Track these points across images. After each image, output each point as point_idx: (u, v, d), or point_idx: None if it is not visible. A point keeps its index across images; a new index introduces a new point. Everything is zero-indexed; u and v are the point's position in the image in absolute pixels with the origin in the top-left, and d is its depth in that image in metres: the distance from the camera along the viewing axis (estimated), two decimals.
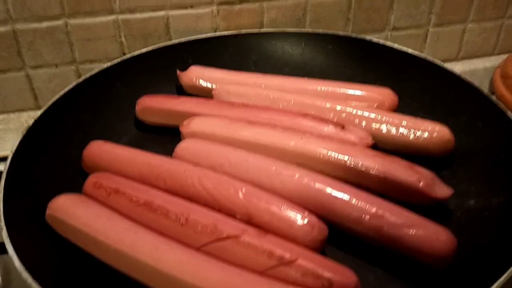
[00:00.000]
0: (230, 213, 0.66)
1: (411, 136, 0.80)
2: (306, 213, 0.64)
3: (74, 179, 0.79)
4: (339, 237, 0.67)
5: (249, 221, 0.65)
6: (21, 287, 0.77)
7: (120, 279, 0.61)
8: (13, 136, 1.05)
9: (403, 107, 0.89)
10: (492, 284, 0.55)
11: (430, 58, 0.94)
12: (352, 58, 1.02)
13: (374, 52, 1.00)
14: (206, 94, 0.96)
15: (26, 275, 0.54)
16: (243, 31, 1.07)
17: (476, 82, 0.86)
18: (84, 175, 0.77)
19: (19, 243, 0.59)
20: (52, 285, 0.54)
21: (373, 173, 0.71)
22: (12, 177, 0.70)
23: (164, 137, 0.89)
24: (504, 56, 1.16)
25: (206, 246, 0.61)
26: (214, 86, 0.95)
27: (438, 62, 0.93)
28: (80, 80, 0.91)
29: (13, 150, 0.73)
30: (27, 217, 0.68)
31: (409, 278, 0.63)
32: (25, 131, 0.77)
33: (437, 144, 0.79)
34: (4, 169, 0.70)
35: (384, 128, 0.81)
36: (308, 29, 1.09)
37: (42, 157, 0.79)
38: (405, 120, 0.82)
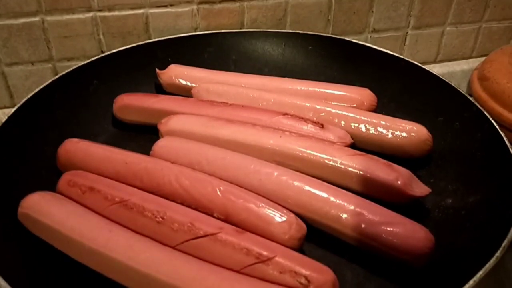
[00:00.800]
0: (207, 211, 0.65)
1: (389, 136, 0.80)
2: (285, 211, 0.63)
3: (48, 178, 0.76)
4: (317, 235, 0.66)
5: (227, 219, 0.64)
6: None
7: (95, 278, 0.60)
8: None
9: (381, 108, 0.90)
10: (468, 281, 0.55)
11: (409, 59, 0.94)
12: (332, 59, 1.02)
13: (354, 53, 1.01)
14: (185, 93, 0.95)
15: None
16: (223, 30, 1.06)
17: (454, 84, 0.87)
18: (59, 174, 0.75)
19: None
20: (23, 284, 0.52)
21: (351, 171, 0.71)
22: None
23: (142, 136, 0.88)
24: (481, 59, 1.18)
25: (183, 244, 0.60)
26: (193, 85, 0.95)
27: (416, 63, 0.93)
28: (57, 77, 0.89)
29: None
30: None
31: (387, 276, 0.63)
32: None
33: (415, 144, 0.79)
34: None
35: (362, 127, 0.82)
36: (288, 30, 1.09)
37: (16, 155, 0.77)
38: (384, 120, 0.82)
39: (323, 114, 0.84)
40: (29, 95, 0.84)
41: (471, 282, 0.54)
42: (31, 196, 0.66)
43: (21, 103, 0.82)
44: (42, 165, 0.79)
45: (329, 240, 0.67)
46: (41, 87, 0.86)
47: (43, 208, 0.64)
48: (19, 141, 0.79)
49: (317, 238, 0.66)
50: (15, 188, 0.71)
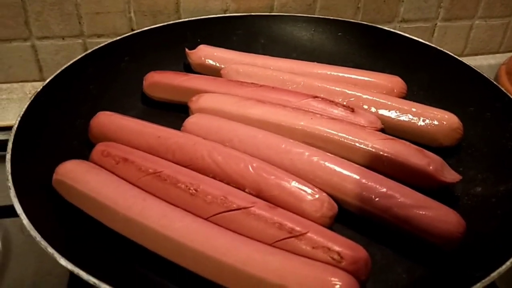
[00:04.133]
0: (239, 187, 0.66)
1: (420, 123, 0.80)
2: (317, 189, 0.64)
3: (80, 148, 0.78)
4: (346, 216, 0.67)
5: (258, 195, 0.64)
6: (20, 252, 0.78)
7: (127, 246, 0.61)
8: (16, 106, 1.04)
9: (411, 96, 0.89)
10: (496, 269, 0.55)
11: (440, 48, 0.94)
12: (362, 46, 1.02)
13: (384, 41, 1.01)
14: (213, 73, 0.95)
15: (35, 233, 0.53)
16: (253, 13, 1.06)
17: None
18: (90, 145, 0.76)
19: (27, 204, 0.58)
20: (60, 246, 0.53)
21: (382, 155, 0.71)
22: (19, 141, 0.69)
23: (170, 114, 0.89)
24: (509, 54, 1.17)
25: (215, 217, 0.61)
26: (222, 66, 0.95)
27: (448, 52, 0.93)
28: (89, 51, 0.90)
29: (21, 115, 0.72)
30: (33, 182, 0.67)
31: (416, 258, 0.63)
32: (32, 97, 0.76)
33: (445, 132, 0.79)
34: (12, 133, 0.69)
35: (393, 114, 0.82)
36: (318, 15, 1.08)
37: (48, 126, 0.78)
38: (415, 107, 0.82)
39: (353, 99, 0.84)
40: (63, 67, 0.85)
41: (504, 266, 0.54)
42: (66, 163, 0.67)
43: (54, 75, 0.83)
44: (74, 137, 0.80)
45: (358, 221, 0.67)
46: (74, 60, 0.87)
47: (78, 176, 0.65)
48: (51, 112, 0.80)
49: (346, 218, 0.67)
50: (47, 157, 0.72)
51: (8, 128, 0.97)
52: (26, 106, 0.74)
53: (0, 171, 0.89)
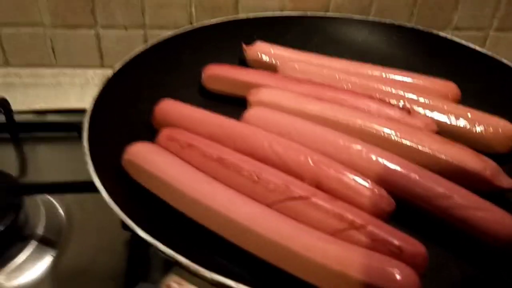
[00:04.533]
0: (298, 178, 0.68)
1: (475, 129, 0.81)
2: (375, 184, 0.66)
3: (143, 132, 0.82)
4: (401, 213, 0.68)
5: (317, 187, 0.67)
6: (81, 228, 0.82)
7: (192, 227, 0.64)
8: (77, 90, 1.09)
9: (464, 103, 0.89)
10: None
11: (497, 56, 0.94)
12: (416, 51, 1.03)
13: (439, 47, 1.01)
14: (269, 69, 0.98)
15: (114, 206, 0.56)
16: (309, 13, 1.08)
17: None
18: (152, 130, 0.80)
19: (104, 180, 0.62)
20: (137, 219, 0.56)
21: (439, 157, 0.72)
22: (92, 122, 0.73)
23: (227, 106, 0.91)
24: None
25: (277, 205, 0.63)
26: (278, 63, 0.98)
27: (505, 61, 0.93)
28: (154, 42, 0.94)
29: (95, 98, 0.76)
30: (106, 161, 0.70)
31: (470, 258, 0.64)
32: (104, 84, 0.81)
33: (500, 139, 0.79)
34: (87, 114, 0.73)
35: (448, 119, 0.82)
36: (374, 18, 1.10)
37: (114, 110, 0.82)
38: (470, 113, 0.83)
39: (407, 102, 0.85)
40: (130, 56, 0.89)
41: None
42: (136, 144, 0.71)
43: (121, 64, 0.87)
44: (138, 122, 0.84)
45: (412, 219, 0.68)
46: (140, 51, 0.91)
47: (147, 157, 0.69)
48: (118, 98, 0.84)
49: (401, 216, 0.68)
50: (114, 139, 0.76)
51: (72, 111, 1.02)
52: (99, 90, 0.78)
53: (56, 151, 0.95)
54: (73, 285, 0.73)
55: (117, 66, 0.85)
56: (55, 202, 0.85)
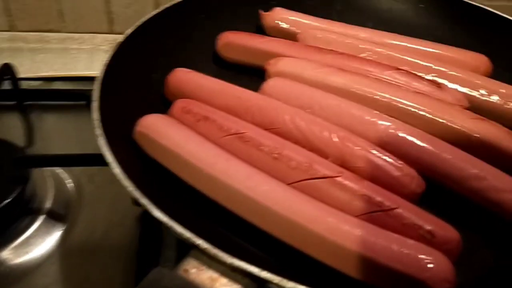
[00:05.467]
0: (321, 156, 0.64)
1: (508, 106, 0.76)
2: (405, 164, 0.61)
3: (155, 102, 0.77)
4: (431, 195, 0.64)
5: (341, 166, 0.62)
6: (91, 201, 0.79)
7: (207, 205, 0.60)
8: (86, 56, 1.05)
9: (496, 77, 0.84)
10: None
11: None
12: (444, 20, 0.97)
13: (469, 15, 0.95)
14: (287, 38, 0.92)
15: (127, 183, 0.53)
16: None
17: None
18: (164, 101, 0.76)
19: (115, 153, 0.58)
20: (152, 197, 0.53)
21: (472, 136, 0.67)
22: (102, 91, 0.69)
23: (244, 77, 0.87)
24: None
25: (299, 183, 0.59)
26: (297, 31, 0.92)
27: None
28: (167, 6, 0.88)
29: (106, 64, 0.72)
30: (116, 132, 0.66)
31: (503, 243, 0.61)
32: (115, 49, 0.76)
33: None
34: (97, 81, 0.68)
35: (479, 93, 0.77)
36: None
37: (126, 78, 0.78)
38: (503, 88, 0.77)
39: (436, 74, 0.80)
40: (141, 21, 0.84)
41: None
42: (149, 116, 0.67)
43: (133, 28, 0.82)
44: (150, 91, 0.79)
45: (441, 202, 0.64)
46: (152, 15, 0.86)
47: (160, 129, 0.65)
48: (129, 65, 0.79)
49: (430, 199, 0.64)
50: (125, 111, 0.71)
51: (80, 79, 0.98)
52: (110, 55, 0.74)
53: (63, 120, 0.91)
54: (82, 261, 0.71)
55: (129, 31, 0.80)
56: (64, 175, 0.82)
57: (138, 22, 0.82)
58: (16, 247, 0.69)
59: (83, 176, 0.82)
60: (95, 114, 0.62)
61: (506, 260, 0.59)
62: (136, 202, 0.61)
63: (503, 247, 0.61)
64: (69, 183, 0.81)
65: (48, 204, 0.76)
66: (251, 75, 0.84)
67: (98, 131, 0.60)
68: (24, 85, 0.98)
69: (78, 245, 0.73)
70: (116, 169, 0.54)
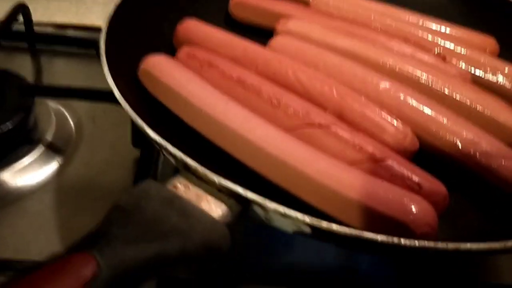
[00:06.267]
0: (320, 108, 0.65)
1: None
2: (400, 122, 0.62)
3: (164, 51, 0.78)
4: (422, 159, 0.65)
5: (340, 119, 0.63)
6: (90, 141, 0.80)
7: (206, 146, 0.61)
8: (100, 8, 1.06)
9: (502, 59, 0.84)
10: None
11: None
12: (457, 2, 0.97)
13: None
14: (301, 2, 0.93)
15: (125, 105, 0.54)
16: None
17: None
18: (174, 51, 0.76)
19: (118, 83, 0.59)
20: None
21: (471, 107, 0.67)
22: (110, 33, 0.70)
23: (254, 38, 0.87)
24: None
25: (296, 131, 0.60)
26: None
27: None
28: None
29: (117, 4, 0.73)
30: (123, 73, 0.67)
31: (490, 210, 0.61)
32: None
33: None
34: (105, 24, 0.69)
35: (483, 72, 0.77)
36: None
37: (135, 26, 0.78)
38: (508, 68, 0.78)
39: (443, 50, 0.80)
40: None
41: None
42: (155, 56, 0.68)
43: None
44: (159, 41, 0.80)
45: (433, 165, 0.65)
46: None
47: (165, 69, 0.66)
48: (139, 14, 0.80)
49: (423, 160, 0.65)
50: (134, 53, 0.72)
51: (92, 29, 0.99)
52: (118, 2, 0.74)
53: (73, 66, 0.93)
54: (76, 194, 0.72)
55: None
56: (66, 113, 0.83)
57: None
58: (14, 171, 0.71)
59: (85, 117, 0.83)
60: (102, 46, 0.63)
61: (488, 226, 0.60)
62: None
63: (488, 214, 0.61)
64: (71, 121, 0.82)
65: (48, 137, 0.77)
66: (262, 36, 0.85)
67: (104, 66, 0.61)
68: (38, 29, 0.99)
69: (74, 178, 0.74)
70: (117, 93, 0.55)
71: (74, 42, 1.01)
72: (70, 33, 1.03)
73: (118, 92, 0.56)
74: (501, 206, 0.61)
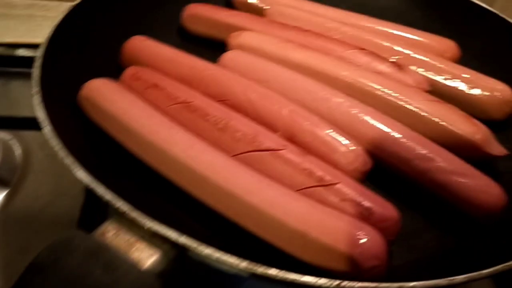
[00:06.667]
0: (270, 129, 0.62)
1: (470, 91, 0.74)
2: (353, 141, 0.60)
3: (110, 71, 0.75)
4: (378, 176, 0.63)
5: (290, 140, 0.61)
6: (39, 169, 0.77)
7: (147, 172, 0.58)
8: (51, 24, 1.01)
9: (463, 63, 0.82)
10: None
11: (501, 14, 0.87)
12: (417, 4, 0.96)
13: (441, 1, 0.93)
14: (256, 13, 0.90)
15: (54, 142, 0.51)
16: None
17: None
18: (120, 69, 0.73)
19: (51, 113, 0.55)
20: (79, 159, 0.50)
21: (427, 117, 0.66)
22: (49, 54, 0.66)
23: (206, 50, 0.84)
24: None
25: (243, 155, 0.58)
26: (266, 7, 0.90)
27: (509, 19, 0.85)
28: None
29: (55, 26, 0.69)
30: (59, 96, 0.64)
31: (447, 227, 0.60)
32: (66, 13, 0.73)
33: (497, 104, 0.73)
34: (43, 44, 0.66)
35: (442, 78, 0.76)
36: None
37: (80, 44, 0.75)
38: (467, 73, 0.76)
39: (401, 57, 0.79)
40: None
41: None
42: (95, 80, 0.65)
43: None
44: (106, 59, 0.77)
45: (389, 183, 0.63)
46: None
47: (106, 94, 0.63)
48: (84, 31, 0.77)
49: (377, 179, 0.63)
50: (76, 76, 0.69)
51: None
52: (59, 20, 0.71)
53: (27, 87, 0.88)
54: (23, 227, 0.69)
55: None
56: (13, 141, 0.79)
57: None
58: None
59: (34, 144, 0.80)
60: (35, 73, 0.60)
61: (446, 244, 0.58)
62: None
63: (445, 231, 0.59)
64: (19, 149, 0.78)
65: None
66: (214, 49, 0.82)
67: (35, 89, 0.57)
68: None
69: (21, 211, 0.70)
70: (47, 127, 0.52)
71: (26, 62, 0.96)
72: (21, 52, 0.99)
73: (50, 128, 0.52)
74: (458, 224, 0.59)
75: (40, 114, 0.54)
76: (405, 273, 0.54)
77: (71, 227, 0.69)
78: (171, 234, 0.43)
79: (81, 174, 0.47)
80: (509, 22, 0.86)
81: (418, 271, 0.55)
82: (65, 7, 1.02)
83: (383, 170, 0.63)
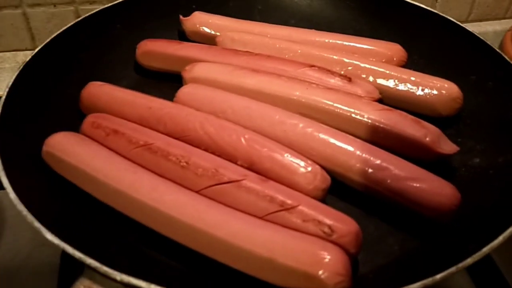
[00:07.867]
0: (231, 159, 0.65)
1: (419, 93, 0.78)
2: (310, 161, 0.63)
3: (71, 120, 0.76)
4: (340, 188, 0.66)
5: (251, 167, 0.63)
6: (15, 223, 0.78)
7: (117, 218, 0.60)
8: (8, 75, 1.02)
9: (411, 64, 0.87)
10: (494, 239, 0.54)
11: (443, 14, 0.91)
12: (362, 12, 0.99)
13: (385, 6, 0.97)
14: (209, 41, 0.93)
15: (21, 207, 0.52)
16: None
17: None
18: (82, 116, 0.75)
19: (14, 177, 0.57)
20: (47, 220, 0.52)
21: (378, 126, 0.69)
22: (6, 113, 0.68)
23: (165, 83, 0.87)
24: None
25: (206, 190, 0.60)
26: (218, 34, 0.92)
27: (451, 18, 0.90)
28: (80, 19, 0.88)
29: (9, 85, 0.71)
30: (22, 154, 0.66)
31: (409, 230, 0.63)
32: (21, 67, 0.75)
33: (444, 101, 0.77)
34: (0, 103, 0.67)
35: (391, 83, 0.79)
36: None
37: (38, 96, 0.77)
38: (414, 76, 0.79)
39: (351, 68, 0.82)
40: (52, 36, 0.83)
41: (500, 238, 0.53)
42: (56, 135, 0.66)
43: (43, 44, 0.81)
44: (65, 107, 0.78)
45: (351, 193, 0.66)
46: (64, 28, 0.85)
47: (67, 148, 0.64)
48: (41, 82, 0.78)
49: (340, 191, 0.66)
50: (38, 128, 0.71)
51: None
52: (15, 75, 0.73)
53: None
54: (4, 284, 0.70)
55: (38, 47, 0.79)
56: None
57: (48, 39, 0.81)
58: None
59: (6, 198, 0.80)
60: None
61: (410, 246, 0.61)
62: None
63: (408, 234, 0.62)
64: None
65: None
66: (173, 81, 0.84)
67: None
68: None
69: (0, 268, 0.71)
70: (11, 194, 0.54)
71: None
72: None
73: (14, 195, 0.54)
74: (420, 226, 0.62)
75: (4, 180, 0.55)
76: (373, 279, 0.57)
77: (53, 277, 0.70)
78: (142, 284, 0.45)
79: (50, 236, 0.49)
80: (451, 21, 0.90)
81: (384, 275, 0.58)
82: (22, 56, 1.05)
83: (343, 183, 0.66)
